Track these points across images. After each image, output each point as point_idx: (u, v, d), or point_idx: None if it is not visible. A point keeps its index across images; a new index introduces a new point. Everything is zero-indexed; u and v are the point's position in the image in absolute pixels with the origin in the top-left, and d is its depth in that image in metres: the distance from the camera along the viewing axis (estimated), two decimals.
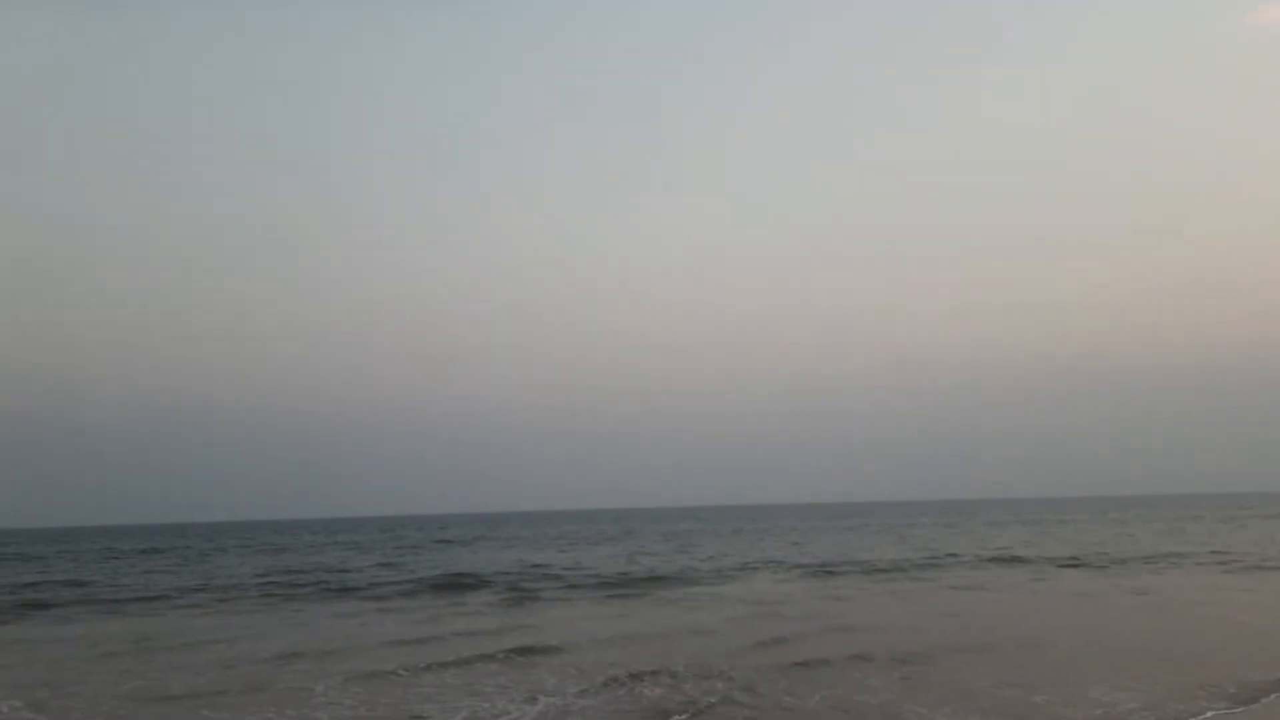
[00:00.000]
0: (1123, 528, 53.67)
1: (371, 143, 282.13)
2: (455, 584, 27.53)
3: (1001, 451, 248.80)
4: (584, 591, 24.60)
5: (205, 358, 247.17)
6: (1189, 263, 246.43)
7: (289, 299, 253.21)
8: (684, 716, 9.82)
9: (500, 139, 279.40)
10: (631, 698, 10.79)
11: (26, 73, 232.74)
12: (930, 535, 50.77)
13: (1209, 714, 9.34)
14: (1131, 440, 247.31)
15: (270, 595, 25.54)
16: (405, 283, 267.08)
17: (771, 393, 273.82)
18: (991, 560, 30.91)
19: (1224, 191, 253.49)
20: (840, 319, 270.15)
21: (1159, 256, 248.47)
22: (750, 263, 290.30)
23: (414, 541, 61.11)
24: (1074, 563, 29.32)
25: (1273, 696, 9.96)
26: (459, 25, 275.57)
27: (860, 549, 40.52)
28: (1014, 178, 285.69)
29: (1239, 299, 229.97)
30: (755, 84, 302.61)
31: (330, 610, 21.80)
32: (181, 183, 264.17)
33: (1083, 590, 21.86)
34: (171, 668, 13.93)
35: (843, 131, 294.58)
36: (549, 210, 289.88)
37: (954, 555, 33.94)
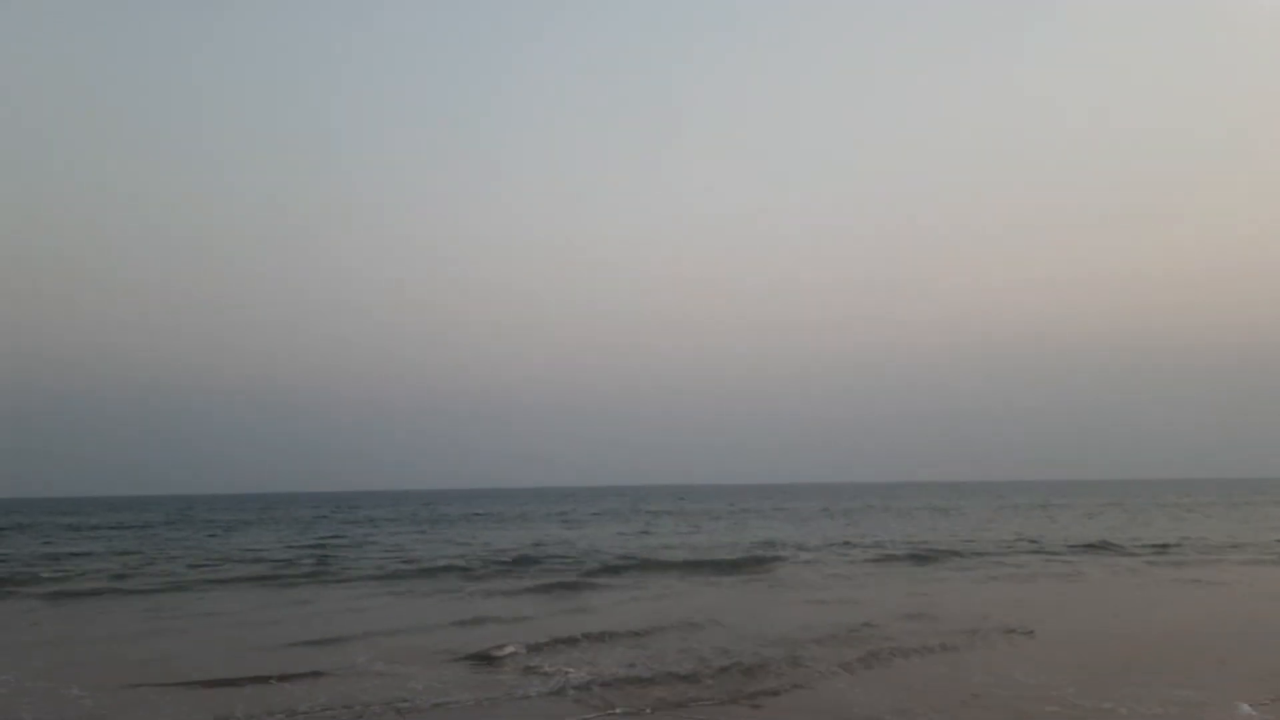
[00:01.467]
0: (1181, 514, 51.04)
1: (384, 130, 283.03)
2: (513, 561, 26.66)
3: (1007, 435, 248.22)
4: (631, 575, 23.17)
5: (233, 341, 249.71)
6: (1199, 247, 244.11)
7: (320, 285, 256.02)
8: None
9: (510, 126, 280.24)
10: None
11: (45, 65, 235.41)
12: (985, 520, 48.59)
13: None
14: (1139, 426, 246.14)
15: (310, 572, 24.55)
16: (423, 271, 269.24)
17: (772, 374, 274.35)
18: (1083, 549, 29.12)
19: (1227, 176, 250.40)
20: (844, 300, 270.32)
21: (1172, 241, 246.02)
22: (757, 249, 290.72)
23: (435, 516, 61.20)
24: (1161, 552, 27.60)
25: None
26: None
27: (889, 530, 38.49)
28: (1022, 165, 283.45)
29: (1243, 285, 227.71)
30: (769, 64, 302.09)
31: (376, 590, 20.99)
32: (197, 176, 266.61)
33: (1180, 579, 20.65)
34: (215, 646, 13.30)
35: (847, 123, 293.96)
36: (563, 195, 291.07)
37: (1034, 541, 32.22)
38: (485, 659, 11.68)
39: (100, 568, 26.17)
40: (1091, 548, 29.16)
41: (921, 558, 26.48)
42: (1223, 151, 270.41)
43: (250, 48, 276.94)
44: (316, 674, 10.81)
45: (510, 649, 12.10)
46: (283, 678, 10.59)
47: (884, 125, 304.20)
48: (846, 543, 32.46)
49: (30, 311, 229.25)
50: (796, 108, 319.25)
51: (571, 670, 10.92)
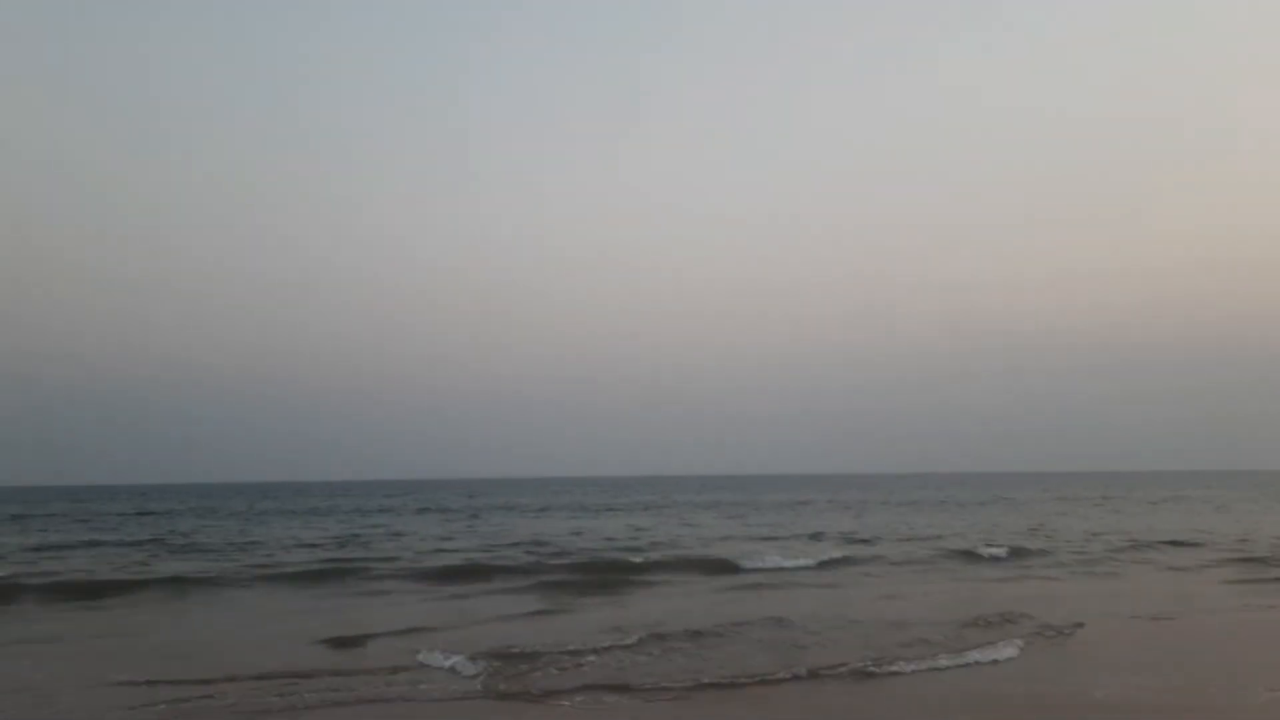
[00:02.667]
0: (1231, 506, 47.60)
1: (367, 123, 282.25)
2: (556, 553, 24.96)
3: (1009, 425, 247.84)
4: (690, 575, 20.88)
5: (239, 332, 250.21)
6: (1194, 240, 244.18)
7: (315, 276, 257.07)
8: None
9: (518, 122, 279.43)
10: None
11: (43, 61, 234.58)
12: (1051, 513, 45.85)
13: None
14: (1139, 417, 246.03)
15: (351, 564, 22.77)
16: (422, 265, 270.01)
17: (762, 365, 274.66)
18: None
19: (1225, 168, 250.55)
20: (845, 297, 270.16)
21: (1175, 233, 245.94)
22: (766, 246, 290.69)
23: (461, 506, 59.68)
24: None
25: None
26: None
27: (954, 523, 36.10)
28: (1024, 157, 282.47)
29: (1236, 278, 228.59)
30: (761, 57, 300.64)
31: (426, 586, 19.64)
32: (202, 179, 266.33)
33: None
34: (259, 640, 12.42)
35: (839, 117, 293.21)
36: (541, 192, 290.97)
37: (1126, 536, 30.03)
38: (507, 657, 10.63)
39: (135, 560, 24.83)
40: (1177, 544, 26.94)
41: (1008, 555, 24.14)
42: (1216, 144, 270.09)
43: (202, 40, 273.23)
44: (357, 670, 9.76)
45: (540, 647, 11.07)
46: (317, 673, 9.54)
47: (877, 119, 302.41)
48: (932, 537, 30.42)
49: (30, 304, 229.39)
50: (789, 102, 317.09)
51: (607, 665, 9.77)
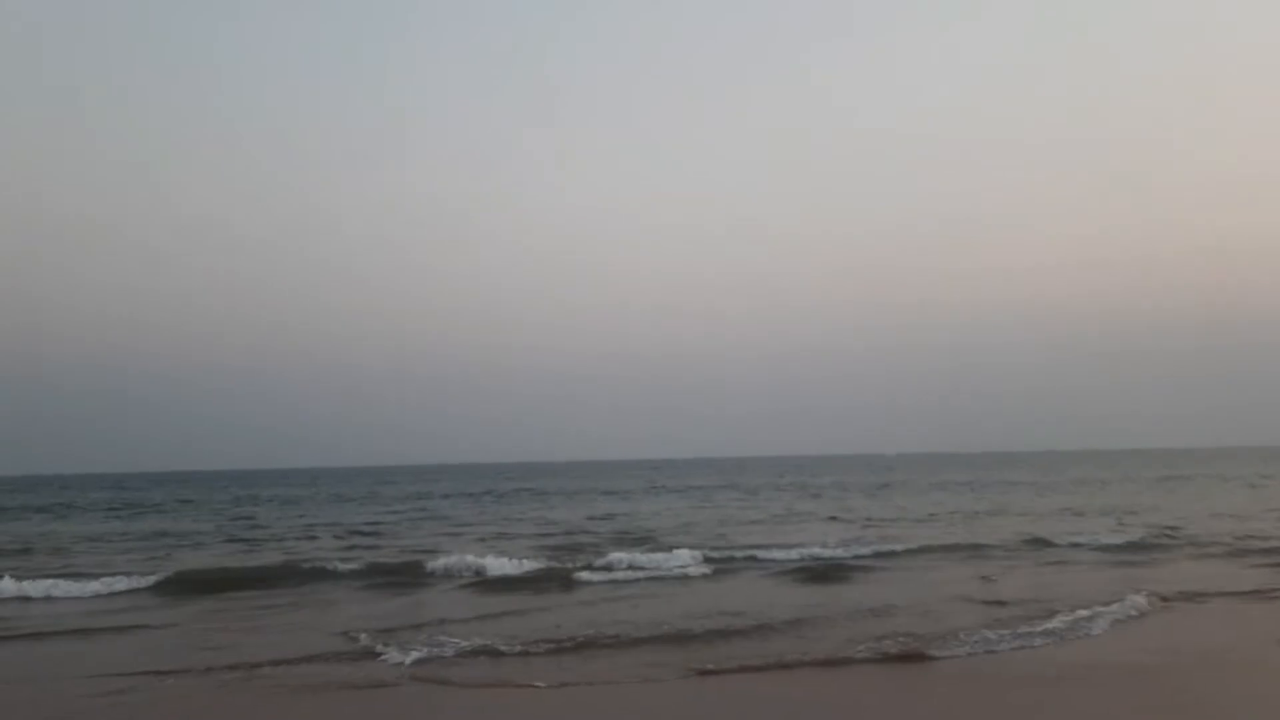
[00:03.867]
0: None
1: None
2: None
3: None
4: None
5: (246, 320, 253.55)
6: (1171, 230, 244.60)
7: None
8: None
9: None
10: None
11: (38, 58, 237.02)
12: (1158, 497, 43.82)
13: None
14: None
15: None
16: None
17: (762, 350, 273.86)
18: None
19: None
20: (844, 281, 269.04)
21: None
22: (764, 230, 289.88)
23: (490, 490, 59.44)
24: None
25: None
26: None
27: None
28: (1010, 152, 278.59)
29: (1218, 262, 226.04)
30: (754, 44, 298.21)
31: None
32: (217, 182, 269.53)
33: None
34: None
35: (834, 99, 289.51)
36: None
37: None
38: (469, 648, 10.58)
39: (172, 552, 24.57)
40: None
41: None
42: (1216, 134, 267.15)
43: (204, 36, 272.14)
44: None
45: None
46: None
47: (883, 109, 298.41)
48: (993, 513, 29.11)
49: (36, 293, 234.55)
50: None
51: None
